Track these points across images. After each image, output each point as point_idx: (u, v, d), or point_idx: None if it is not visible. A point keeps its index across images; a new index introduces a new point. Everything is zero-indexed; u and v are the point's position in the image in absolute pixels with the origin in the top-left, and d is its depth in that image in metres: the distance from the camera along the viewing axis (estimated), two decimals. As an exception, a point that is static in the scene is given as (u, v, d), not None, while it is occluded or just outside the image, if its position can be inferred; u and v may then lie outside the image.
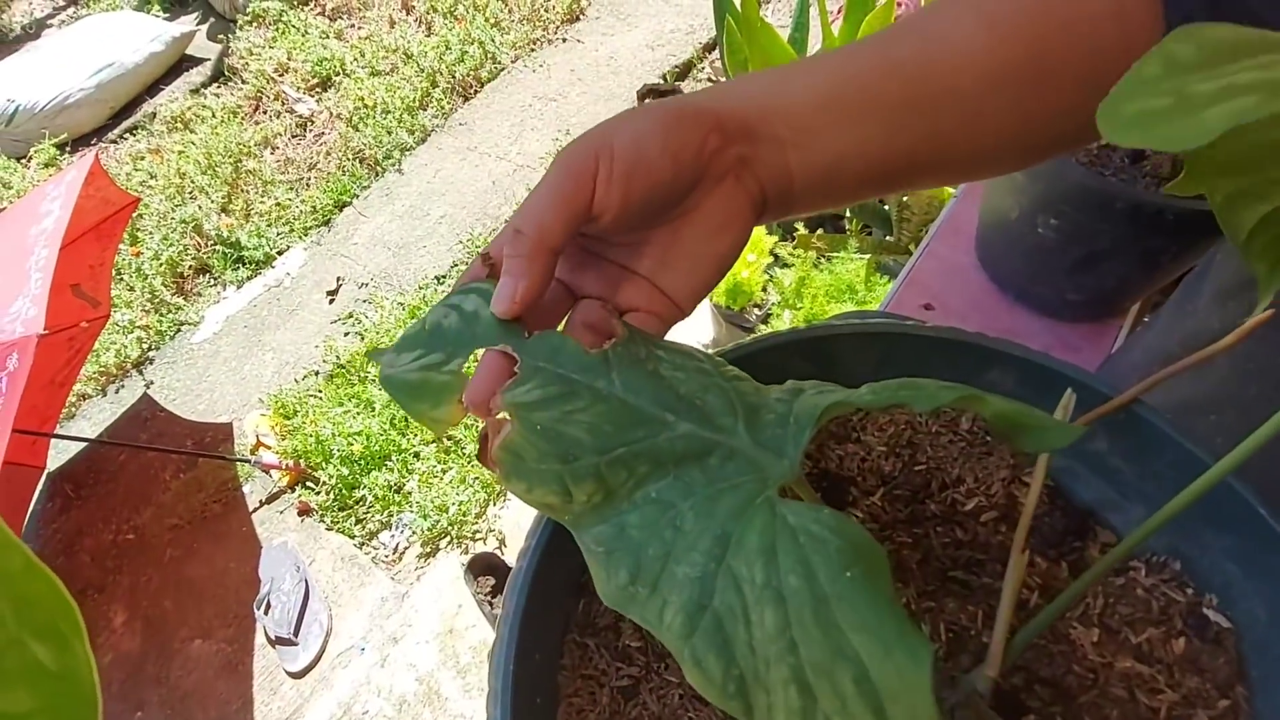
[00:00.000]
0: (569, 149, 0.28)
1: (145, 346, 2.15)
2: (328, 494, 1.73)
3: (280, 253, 2.35)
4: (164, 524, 1.78)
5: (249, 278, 2.31)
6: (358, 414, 1.84)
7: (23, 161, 2.71)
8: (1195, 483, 0.22)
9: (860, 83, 0.30)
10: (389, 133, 2.59)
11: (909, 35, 0.31)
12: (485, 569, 1.49)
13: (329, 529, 1.69)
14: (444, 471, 1.71)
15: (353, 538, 1.67)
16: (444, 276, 2.17)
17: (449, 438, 1.80)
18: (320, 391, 1.94)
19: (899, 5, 1.38)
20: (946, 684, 0.30)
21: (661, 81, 2.49)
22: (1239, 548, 0.30)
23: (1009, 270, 0.70)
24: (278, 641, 1.52)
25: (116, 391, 2.09)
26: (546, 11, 2.90)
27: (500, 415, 0.27)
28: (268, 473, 1.78)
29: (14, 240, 1.41)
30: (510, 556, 1.55)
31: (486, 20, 2.89)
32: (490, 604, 1.42)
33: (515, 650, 0.30)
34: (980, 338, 0.35)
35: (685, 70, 2.56)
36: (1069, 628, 0.32)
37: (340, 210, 2.44)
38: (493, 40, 2.81)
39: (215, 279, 2.32)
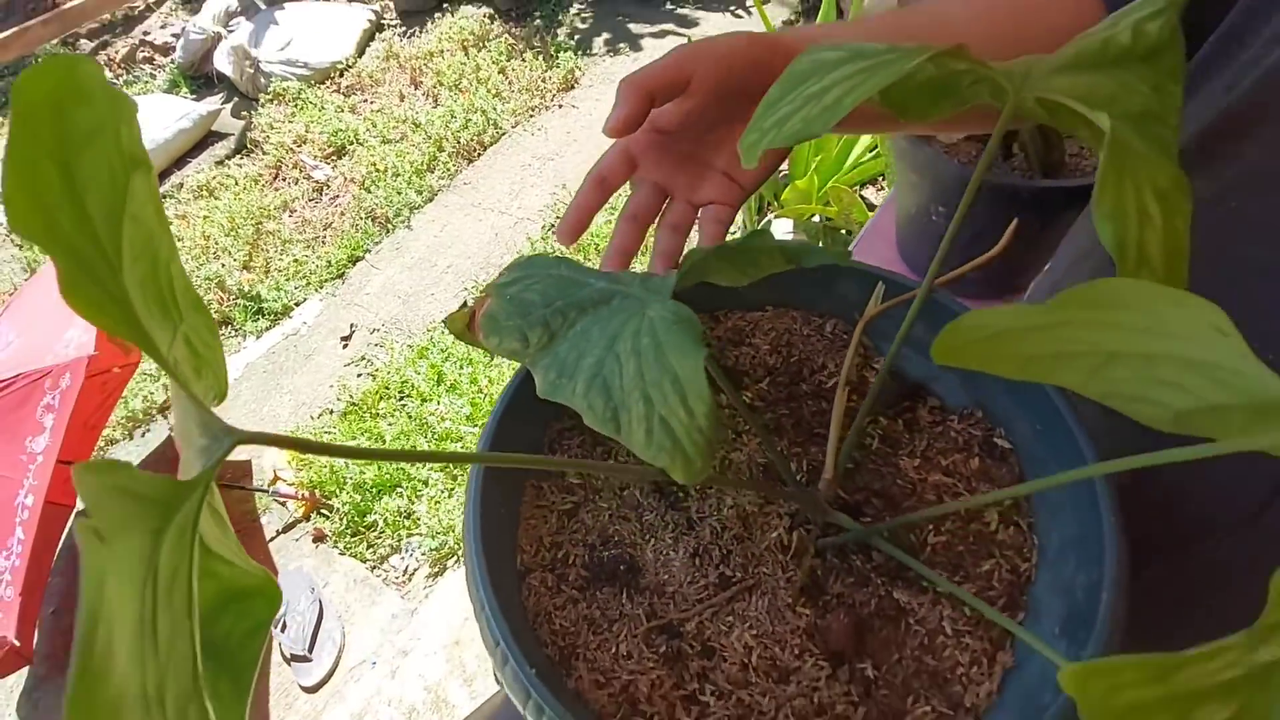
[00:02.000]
0: (681, 48, 0.41)
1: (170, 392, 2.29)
2: (341, 520, 1.83)
3: (297, 304, 2.51)
4: (186, 556, 1.88)
5: (268, 328, 2.46)
6: (370, 445, 1.96)
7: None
8: (922, 302, 0.35)
9: (886, 33, 0.44)
10: (399, 193, 2.79)
11: (921, 12, 0.46)
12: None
13: (342, 554, 1.79)
14: (450, 494, 1.81)
15: (364, 561, 1.76)
16: (450, 321, 2.32)
17: (455, 469, 1.91)
18: (335, 427, 2.06)
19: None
20: (804, 494, 0.42)
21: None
22: (1009, 386, 0.42)
23: (920, 258, 0.83)
24: (293, 659, 1.60)
25: (143, 435, 2.22)
26: (544, 83, 3.14)
27: (485, 299, 0.40)
28: (284, 503, 1.89)
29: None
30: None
31: (489, 91, 3.13)
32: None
33: (482, 484, 0.41)
34: (838, 257, 0.48)
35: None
36: (899, 460, 0.43)
37: (354, 264, 2.61)
38: (494, 109, 3.04)
39: (236, 329, 2.48)
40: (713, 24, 3.25)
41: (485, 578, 0.37)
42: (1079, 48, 0.29)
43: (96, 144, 0.18)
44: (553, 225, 2.58)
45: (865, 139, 1.72)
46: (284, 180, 2.99)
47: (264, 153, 3.09)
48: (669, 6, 3.39)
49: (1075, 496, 0.36)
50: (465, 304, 0.42)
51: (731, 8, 3.34)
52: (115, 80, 3.54)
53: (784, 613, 0.39)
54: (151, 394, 2.27)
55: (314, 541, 1.82)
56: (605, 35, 3.33)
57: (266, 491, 1.88)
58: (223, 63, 3.29)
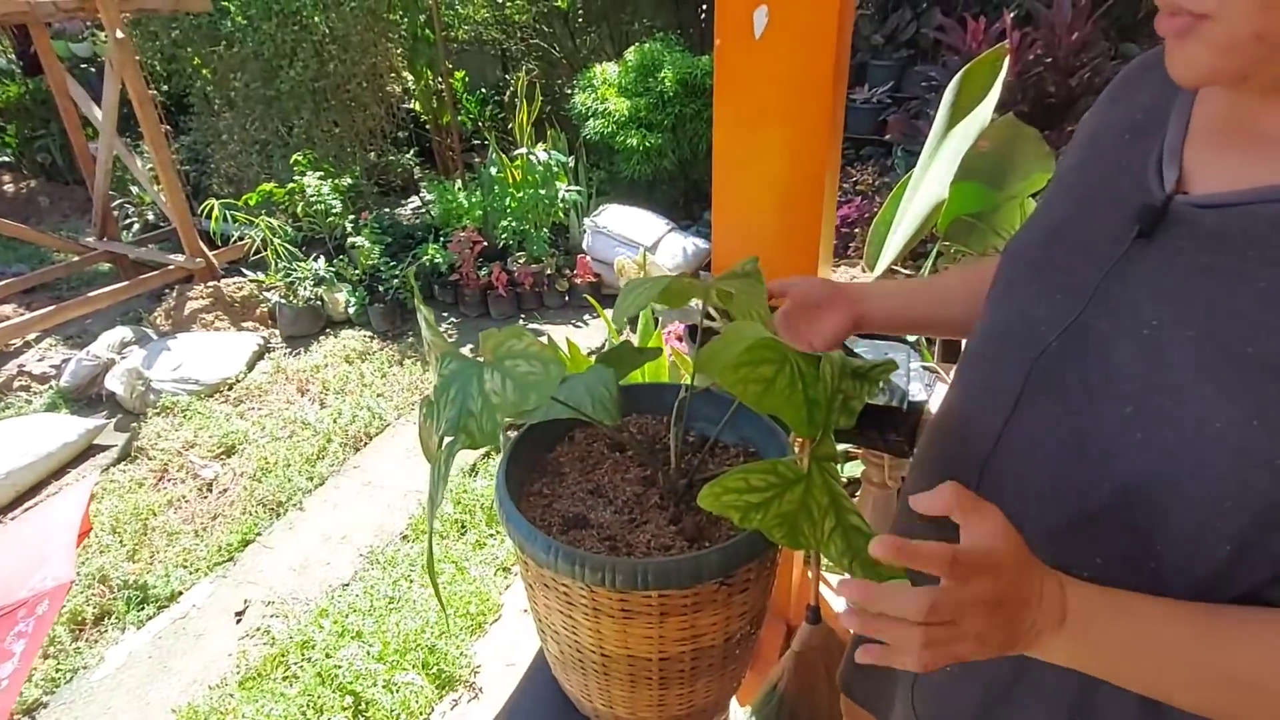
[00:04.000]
0: (802, 285, 0.90)
1: (41, 691, 2.22)
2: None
3: (186, 589, 2.59)
4: None
5: (153, 615, 2.50)
6: (275, 703, 2.03)
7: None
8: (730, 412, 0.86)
9: (910, 292, 0.94)
10: (289, 480, 3.07)
11: (936, 281, 0.97)
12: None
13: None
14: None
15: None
16: (348, 583, 2.51)
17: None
18: (234, 694, 2.11)
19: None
20: (666, 477, 0.87)
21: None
22: (754, 427, 0.93)
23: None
24: None
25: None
26: (423, 381, 3.71)
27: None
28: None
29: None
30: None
31: (373, 392, 3.63)
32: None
33: (507, 471, 0.84)
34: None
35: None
36: (708, 465, 0.91)
37: (245, 546, 2.77)
38: (378, 405, 3.52)
39: (117, 621, 2.48)
40: (559, 333, 4.08)
41: (508, 497, 0.79)
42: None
43: None
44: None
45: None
46: (171, 481, 3.17)
47: (150, 458, 3.29)
48: (522, 321, 4.23)
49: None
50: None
51: (573, 321, 4.23)
52: (-11, 407, 3.67)
53: (664, 527, 0.82)
54: (20, 694, 2.18)
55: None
56: (471, 345, 4.04)
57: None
58: (114, 383, 3.58)
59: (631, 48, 4.88)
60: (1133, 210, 0.55)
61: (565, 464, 0.92)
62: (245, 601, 2.50)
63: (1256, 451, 0.46)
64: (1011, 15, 2.83)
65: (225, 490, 3.09)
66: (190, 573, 2.65)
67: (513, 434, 0.91)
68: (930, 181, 1.37)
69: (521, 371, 0.61)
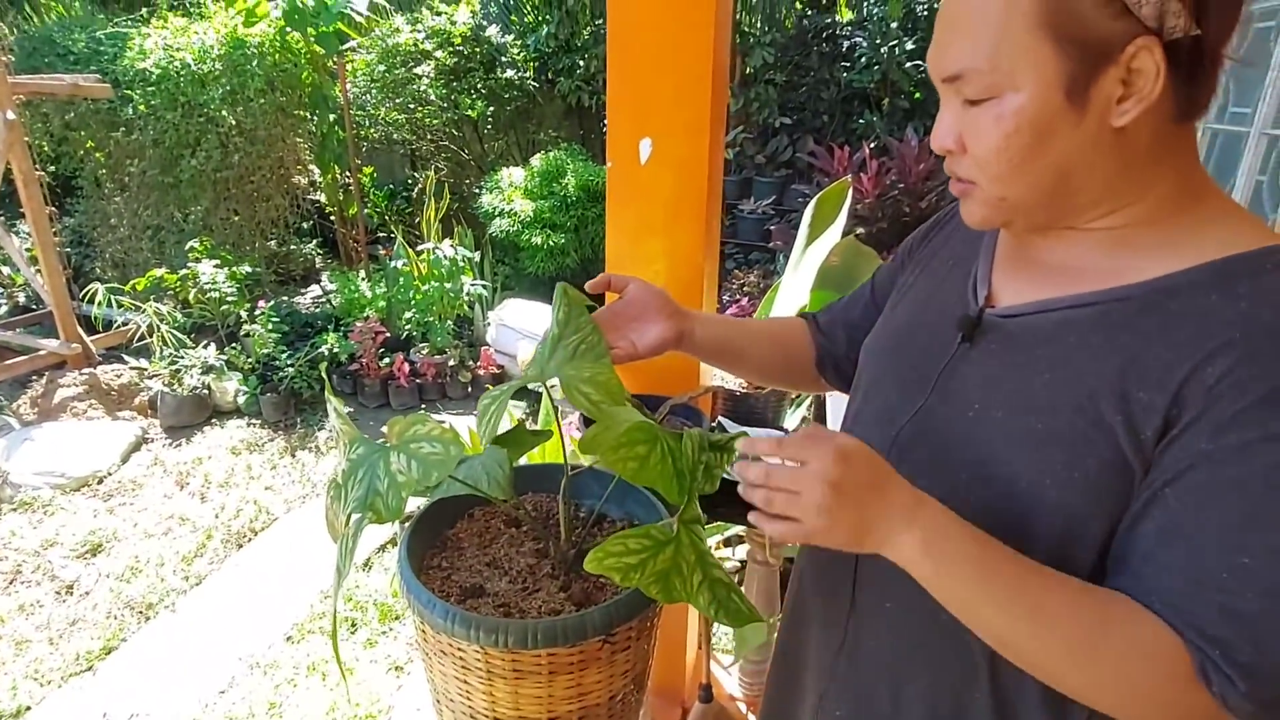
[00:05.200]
0: (638, 287, 0.96)
1: None
2: None
3: (34, 705, 2.35)
4: None
5: (-8, 736, 2.25)
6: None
7: None
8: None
9: (730, 325, 1.03)
10: (163, 580, 2.88)
11: (751, 323, 1.07)
12: None
13: None
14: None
15: None
16: (224, 690, 2.36)
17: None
18: (85, 818, 1.91)
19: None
20: (558, 549, 0.96)
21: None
22: (634, 501, 1.03)
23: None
24: None
25: None
26: (315, 473, 3.60)
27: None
28: None
29: None
30: None
31: (261, 485, 3.49)
32: None
33: (409, 546, 0.90)
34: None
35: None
36: (596, 537, 1.00)
37: (107, 655, 2.55)
38: (266, 498, 3.39)
39: (-52, 745, 2.22)
40: (461, 422, 4.08)
41: (409, 569, 0.85)
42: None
43: None
44: (328, 595, 2.84)
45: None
46: (24, 584, 2.90)
47: (1, 559, 3.01)
48: (423, 410, 4.21)
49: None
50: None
51: (475, 411, 4.24)
52: None
53: (555, 594, 0.90)
54: None
55: None
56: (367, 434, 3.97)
57: None
58: (-36, 479, 3.29)
59: (537, 155, 5.18)
60: (957, 320, 0.71)
61: (464, 539, 1.00)
62: (104, 716, 2.29)
63: (1048, 500, 0.60)
64: (871, 146, 3.26)
65: (88, 593, 2.86)
66: (41, 685, 2.41)
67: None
68: (795, 288, 1.58)
69: (425, 452, 0.70)
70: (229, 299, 4.42)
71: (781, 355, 1.03)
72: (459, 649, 0.81)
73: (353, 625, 2.67)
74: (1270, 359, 0.52)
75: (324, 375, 0.83)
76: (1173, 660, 0.54)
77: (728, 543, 2.09)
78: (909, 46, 4.63)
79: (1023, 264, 0.70)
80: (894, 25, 4.66)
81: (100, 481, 3.51)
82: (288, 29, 4.84)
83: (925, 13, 4.70)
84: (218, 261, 4.49)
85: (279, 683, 2.38)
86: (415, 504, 0.97)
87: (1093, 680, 0.57)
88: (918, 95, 4.80)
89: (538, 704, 0.83)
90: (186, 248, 4.63)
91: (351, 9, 4.84)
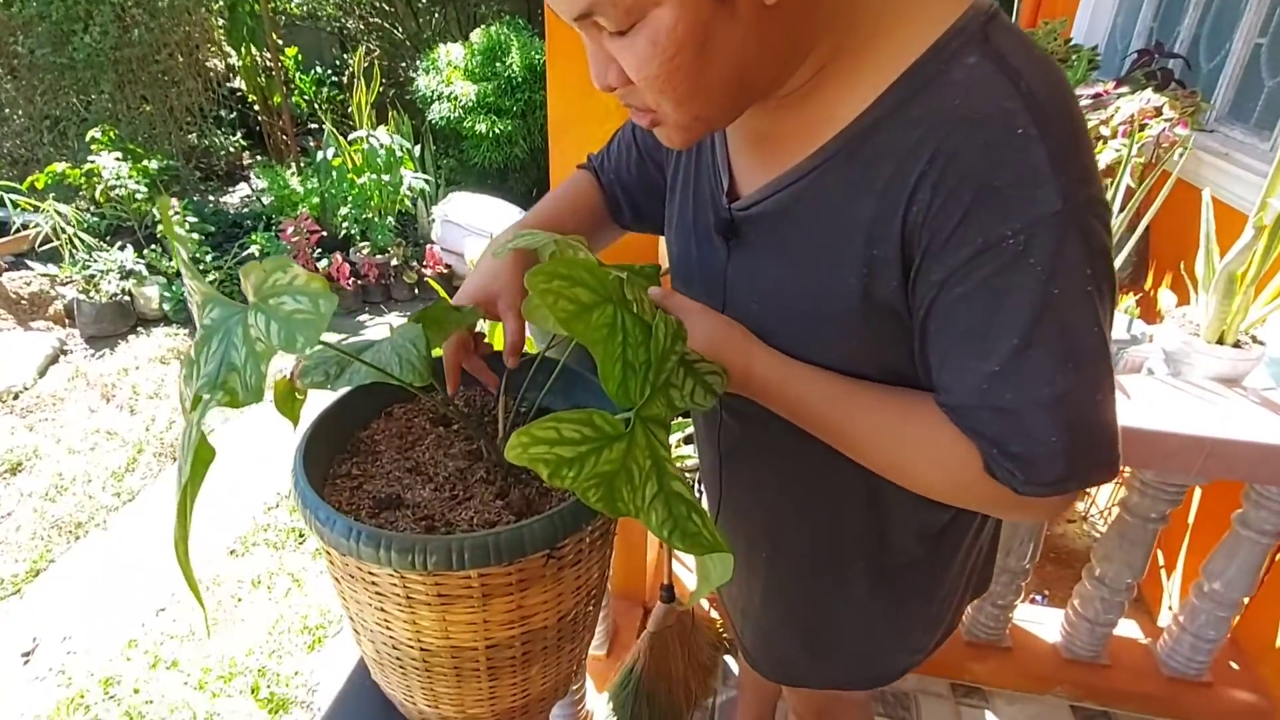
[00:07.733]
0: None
1: None
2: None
3: (-44, 633, 2.20)
4: None
5: (-89, 667, 2.10)
6: (69, 751, 1.76)
7: None
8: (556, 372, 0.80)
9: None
10: (91, 498, 2.70)
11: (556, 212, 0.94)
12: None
13: None
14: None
15: None
16: (164, 608, 2.24)
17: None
18: (18, 747, 1.81)
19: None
20: (492, 449, 0.80)
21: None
22: (585, 391, 0.88)
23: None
24: None
25: None
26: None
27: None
28: None
29: None
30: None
31: (194, 395, 3.27)
32: None
33: (307, 451, 0.74)
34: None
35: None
36: (538, 436, 0.85)
37: (34, 577, 2.40)
38: (202, 409, 3.17)
39: None
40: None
41: (305, 479, 0.69)
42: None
43: None
44: (276, 505, 2.70)
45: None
46: (-64, 508, 2.69)
47: (-93, 484, 2.78)
48: (367, 315, 3.96)
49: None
50: (284, 374, 0.77)
51: (424, 313, 4.02)
52: None
53: (490, 502, 0.75)
54: None
55: None
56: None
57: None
58: None
59: (478, 30, 4.71)
60: (713, 224, 0.74)
61: (381, 442, 0.83)
62: (34, 640, 2.16)
63: (850, 371, 0.68)
64: None
65: (9, 514, 2.66)
66: (-39, 613, 2.26)
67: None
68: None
69: (288, 310, 0.52)
70: (138, 197, 4.02)
71: (591, 224, 0.98)
72: (370, 573, 0.67)
73: (300, 536, 2.54)
74: (963, 167, 0.53)
75: (166, 215, 0.60)
76: (965, 457, 0.62)
77: (689, 440, 1.96)
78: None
79: (751, 141, 0.71)
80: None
81: (16, 397, 3.24)
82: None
83: None
84: (120, 154, 4.06)
85: (221, 599, 2.26)
86: (320, 401, 0.80)
87: (905, 465, 0.66)
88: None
89: (471, 630, 0.70)
90: (88, 139, 4.16)
91: None
